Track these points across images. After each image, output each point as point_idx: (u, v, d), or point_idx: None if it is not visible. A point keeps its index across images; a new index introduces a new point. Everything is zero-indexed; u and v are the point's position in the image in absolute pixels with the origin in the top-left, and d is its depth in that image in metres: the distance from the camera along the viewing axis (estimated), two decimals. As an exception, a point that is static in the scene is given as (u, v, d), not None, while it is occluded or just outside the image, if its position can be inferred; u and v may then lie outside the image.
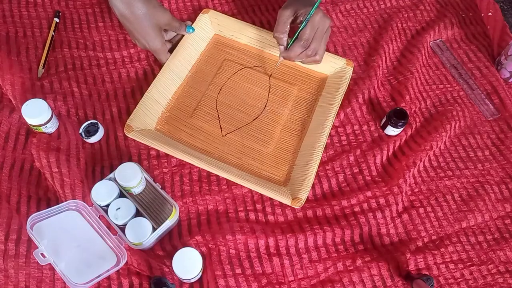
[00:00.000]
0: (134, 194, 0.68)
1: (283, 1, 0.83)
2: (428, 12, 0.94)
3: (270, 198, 0.70)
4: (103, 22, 0.85)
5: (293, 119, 0.78)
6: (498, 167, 0.77)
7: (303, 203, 0.68)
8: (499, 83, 0.85)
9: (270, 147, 0.75)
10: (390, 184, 0.73)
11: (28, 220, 0.59)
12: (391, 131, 0.77)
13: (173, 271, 0.60)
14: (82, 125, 0.72)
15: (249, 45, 0.85)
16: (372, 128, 0.79)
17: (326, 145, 0.74)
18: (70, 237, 0.62)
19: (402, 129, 0.76)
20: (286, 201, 0.68)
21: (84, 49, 0.81)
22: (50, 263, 0.58)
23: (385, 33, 0.89)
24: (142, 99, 0.74)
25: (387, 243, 0.69)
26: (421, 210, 0.72)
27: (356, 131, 0.78)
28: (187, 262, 0.61)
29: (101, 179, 0.65)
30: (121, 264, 0.59)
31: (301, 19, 0.72)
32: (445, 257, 0.68)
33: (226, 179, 0.71)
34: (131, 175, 0.64)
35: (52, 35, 0.81)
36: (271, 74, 0.82)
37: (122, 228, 0.62)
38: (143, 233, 0.61)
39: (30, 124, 0.69)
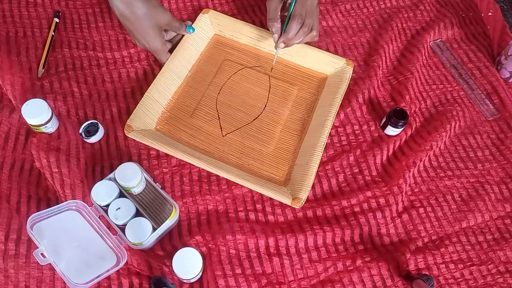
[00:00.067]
0: (134, 194, 0.68)
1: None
2: (428, 12, 0.94)
3: (270, 198, 0.70)
4: (103, 22, 0.85)
5: (293, 119, 0.78)
6: (498, 167, 0.77)
7: (303, 203, 0.68)
8: (499, 83, 0.85)
9: (270, 147, 0.75)
10: (390, 184, 0.73)
11: (28, 220, 0.59)
12: (391, 131, 0.77)
13: (173, 271, 0.60)
14: (82, 125, 0.72)
15: (249, 45, 0.85)
16: (372, 128, 0.79)
17: (326, 145, 0.74)
18: (70, 237, 0.62)
19: (402, 129, 0.76)
20: (286, 201, 0.68)
21: (84, 49, 0.81)
22: (50, 263, 0.58)
23: (385, 33, 0.89)
24: (142, 99, 0.74)
25: (387, 243, 0.69)
26: (421, 210, 0.72)
27: (356, 131, 0.78)
28: (187, 262, 0.61)
29: (101, 179, 0.65)
30: (121, 264, 0.59)
31: (289, 1, 0.74)
32: (445, 257, 0.68)
33: (226, 179, 0.71)
34: (131, 175, 0.64)
35: (52, 35, 0.81)
36: (271, 69, 0.82)
37: (122, 228, 0.62)
38: (143, 233, 0.61)
39: (30, 124, 0.69)
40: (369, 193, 0.72)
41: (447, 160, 0.77)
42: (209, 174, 0.72)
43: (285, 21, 0.75)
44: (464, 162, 0.77)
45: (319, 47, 0.85)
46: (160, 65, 0.79)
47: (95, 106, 0.76)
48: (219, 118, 0.77)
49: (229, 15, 0.86)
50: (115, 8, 0.74)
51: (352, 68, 0.81)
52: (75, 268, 0.59)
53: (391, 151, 0.77)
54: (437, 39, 0.90)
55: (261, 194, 0.70)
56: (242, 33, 0.85)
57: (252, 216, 0.69)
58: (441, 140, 0.77)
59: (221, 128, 0.76)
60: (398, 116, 0.75)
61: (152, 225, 0.63)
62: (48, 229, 0.61)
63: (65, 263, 0.59)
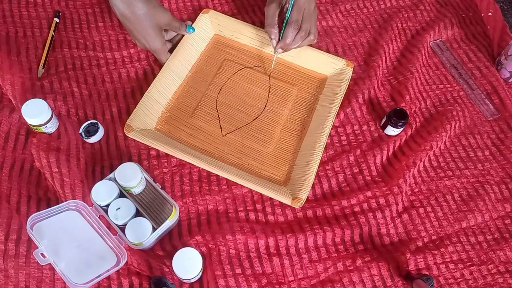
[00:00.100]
0: (134, 194, 0.68)
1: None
2: (428, 12, 0.94)
3: (270, 198, 0.70)
4: (103, 22, 0.85)
5: (293, 119, 0.78)
6: (498, 167, 0.77)
7: (303, 203, 0.68)
8: (499, 83, 0.85)
9: (270, 147, 0.75)
10: (390, 184, 0.73)
11: (28, 220, 0.59)
12: (391, 131, 0.77)
13: (173, 271, 0.60)
14: (82, 125, 0.72)
15: (249, 45, 0.85)
16: (372, 128, 0.79)
17: (326, 145, 0.74)
18: (70, 237, 0.62)
19: (402, 129, 0.76)
20: (286, 201, 0.68)
21: (84, 49, 0.81)
22: (50, 263, 0.58)
23: (385, 33, 0.89)
24: (142, 99, 0.74)
25: (387, 243, 0.69)
26: (421, 210, 0.72)
27: (356, 131, 0.78)
28: (187, 262, 0.61)
29: (101, 179, 0.65)
30: (121, 264, 0.59)
31: (287, 6, 0.74)
32: (445, 257, 0.68)
33: (226, 179, 0.71)
34: (131, 175, 0.64)
35: (52, 35, 0.81)
36: (270, 74, 0.82)
37: (122, 228, 0.62)
38: (143, 233, 0.61)
39: (30, 124, 0.69)
40: (369, 193, 0.72)
41: (447, 160, 0.77)
42: (209, 174, 0.72)
43: (282, 27, 0.75)
44: (464, 162, 0.77)
45: (319, 48, 0.85)
46: (160, 65, 0.79)
47: (95, 106, 0.76)
48: (219, 118, 0.77)
49: (229, 15, 0.86)
50: (115, 8, 0.74)
51: (352, 69, 0.81)
52: (75, 268, 0.59)
53: (391, 151, 0.77)
54: (437, 39, 0.90)
55: (261, 194, 0.70)
56: (242, 33, 0.85)
57: (252, 216, 0.69)
58: (441, 140, 0.77)
59: (221, 128, 0.76)
60: (398, 116, 0.75)
61: (152, 225, 0.63)
62: (48, 229, 0.61)
63: (65, 263, 0.59)
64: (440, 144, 0.77)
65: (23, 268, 0.61)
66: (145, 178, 0.67)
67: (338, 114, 0.78)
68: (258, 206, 0.70)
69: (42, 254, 0.58)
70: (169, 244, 0.66)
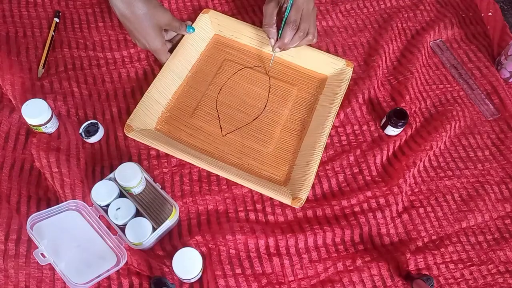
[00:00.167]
0: (134, 194, 0.68)
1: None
2: (428, 12, 0.94)
3: (270, 198, 0.70)
4: (103, 22, 0.85)
5: (293, 119, 0.78)
6: (498, 167, 0.77)
7: (303, 203, 0.68)
8: (499, 83, 0.85)
9: (270, 147, 0.75)
10: (390, 184, 0.73)
11: (28, 220, 0.59)
12: (391, 131, 0.77)
13: (173, 271, 0.60)
14: (82, 125, 0.72)
15: (249, 45, 0.85)
16: (372, 128, 0.79)
17: (326, 145, 0.74)
18: (70, 237, 0.62)
19: (402, 129, 0.76)
20: (286, 200, 0.68)
21: (84, 49, 0.81)
22: (50, 263, 0.58)
23: (385, 33, 0.89)
24: (142, 99, 0.74)
25: (387, 243, 0.69)
26: (421, 210, 0.72)
27: (356, 131, 0.78)
28: (187, 262, 0.61)
29: (101, 179, 0.65)
30: (121, 264, 0.59)
31: (285, 6, 0.75)
32: (445, 257, 0.68)
33: (226, 179, 0.71)
34: (131, 175, 0.64)
35: (52, 35, 0.81)
36: (268, 71, 0.82)
37: (122, 228, 0.62)
38: (143, 233, 0.61)
39: (30, 124, 0.69)
40: (369, 193, 0.72)
41: (447, 160, 0.77)
42: (209, 174, 0.72)
43: (281, 26, 0.75)
44: (464, 162, 0.77)
45: (319, 48, 0.85)
46: (160, 65, 0.79)
47: (95, 106, 0.76)
48: (219, 118, 0.77)
49: (229, 15, 0.86)
50: (115, 8, 0.74)
51: (352, 69, 0.81)
52: (75, 268, 0.59)
53: (391, 151, 0.77)
54: (437, 39, 0.90)
55: (261, 194, 0.70)
56: (242, 33, 0.85)
57: (252, 216, 0.69)
58: (441, 140, 0.77)
59: (221, 128, 0.76)
60: (398, 116, 0.75)
61: (152, 225, 0.63)
62: (48, 229, 0.61)
63: (65, 263, 0.59)
64: (440, 144, 0.77)
65: (23, 268, 0.61)
66: (145, 178, 0.67)
67: (338, 114, 0.78)
68: (258, 206, 0.70)
69: (42, 254, 0.58)
70: (169, 244, 0.66)
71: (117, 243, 0.61)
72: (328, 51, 0.86)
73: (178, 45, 0.80)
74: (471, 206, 0.73)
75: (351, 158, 0.75)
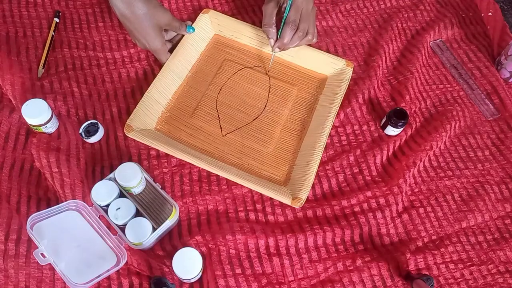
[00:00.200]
0: (134, 194, 0.68)
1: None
2: (428, 12, 0.94)
3: (270, 198, 0.70)
4: (103, 22, 0.85)
5: (293, 119, 0.78)
6: (498, 167, 0.77)
7: (303, 203, 0.68)
8: (499, 83, 0.85)
9: (270, 147, 0.75)
10: (390, 184, 0.73)
11: (28, 220, 0.59)
12: (391, 131, 0.77)
13: (173, 271, 0.60)
14: (82, 125, 0.72)
15: (249, 45, 0.85)
16: (372, 128, 0.79)
17: (326, 145, 0.74)
18: (70, 237, 0.62)
19: (402, 129, 0.76)
20: (286, 200, 0.68)
21: (84, 49, 0.81)
22: (50, 263, 0.58)
23: (385, 33, 0.89)
24: (142, 99, 0.74)
25: (387, 243, 0.69)
26: (421, 210, 0.72)
27: (356, 131, 0.78)
28: (187, 262, 0.61)
29: (101, 179, 0.65)
30: (121, 264, 0.59)
31: (285, 6, 0.75)
32: (445, 257, 0.68)
33: (226, 179, 0.71)
34: (131, 175, 0.64)
35: (52, 35, 0.81)
36: (268, 71, 0.82)
37: (122, 228, 0.62)
38: (143, 233, 0.61)
39: (30, 124, 0.69)
40: (369, 193, 0.72)
41: (447, 160, 0.77)
42: (209, 174, 0.72)
43: (280, 26, 0.75)
44: (464, 162, 0.77)
45: (319, 48, 0.85)
46: (160, 65, 0.79)
47: (95, 106, 0.76)
48: (219, 118, 0.77)
49: (229, 15, 0.86)
50: (115, 8, 0.74)
51: (352, 69, 0.81)
52: (75, 268, 0.59)
53: (391, 151, 0.77)
54: (437, 39, 0.90)
55: (261, 194, 0.70)
56: (242, 33, 0.85)
57: (252, 216, 0.69)
58: (441, 140, 0.77)
59: (221, 128, 0.76)
60: (398, 116, 0.75)
61: (152, 225, 0.63)
62: (48, 229, 0.61)
63: (65, 263, 0.59)
64: (440, 144, 0.77)
65: (23, 268, 0.61)
66: (145, 178, 0.67)
67: (338, 114, 0.78)
68: (258, 206, 0.70)
69: (42, 254, 0.58)
70: (169, 244, 0.66)
71: (117, 243, 0.61)
72: (328, 51, 0.86)
73: (178, 45, 0.80)
74: (471, 206, 0.73)
75: (351, 158, 0.75)
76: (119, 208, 0.63)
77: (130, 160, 0.72)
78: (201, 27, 0.84)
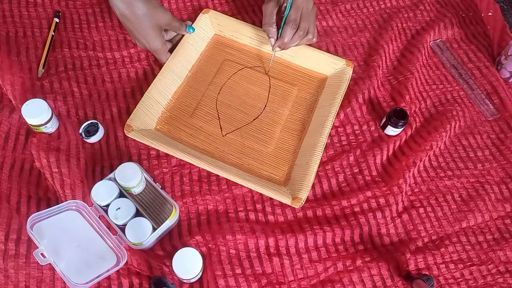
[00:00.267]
0: (134, 194, 0.68)
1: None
2: (428, 12, 0.94)
3: (270, 198, 0.70)
4: (103, 22, 0.85)
5: (293, 119, 0.78)
6: (498, 167, 0.77)
7: (303, 203, 0.68)
8: (499, 83, 0.85)
9: (270, 147, 0.75)
10: (390, 184, 0.73)
11: (28, 220, 0.59)
12: (391, 131, 0.77)
13: (173, 271, 0.60)
14: (82, 125, 0.72)
15: (249, 45, 0.85)
16: (372, 128, 0.79)
17: (326, 145, 0.74)
18: (70, 237, 0.62)
19: (402, 129, 0.76)
20: (286, 200, 0.68)
21: (84, 49, 0.81)
22: (50, 263, 0.58)
23: (385, 33, 0.89)
24: (142, 99, 0.74)
25: (387, 243, 0.69)
26: (421, 210, 0.72)
27: (356, 131, 0.78)
28: (187, 262, 0.61)
29: (101, 179, 0.65)
30: (121, 264, 0.59)
31: (285, 5, 0.75)
32: (445, 257, 0.68)
33: (226, 179, 0.71)
34: (131, 175, 0.64)
35: (52, 35, 0.81)
36: (268, 71, 0.82)
37: (122, 228, 0.62)
38: (143, 233, 0.61)
39: (30, 124, 0.69)
40: (369, 193, 0.72)
41: (447, 160, 0.77)
42: (209, 174, 0.72)
43: (280, 25, 0.75)
44: (464, 162, 0.77)
45: (319, 47, 0.85)
46: (160, 65, 0.79)
47: (95, 106, 0.76)
48: (219, 118, 0.77)
49: (229, 15, 0.86)
50: (115, 8, 0.74)
51: (352, 69, 0.81)
52: (75, 268, 0.59)
53: (391, 151, 0.77)
54: (437, 39, 0.90)
55: (261, 194, 0.70)
56: (242, 33, 0.85)
57: (252, 216, 0.69)
58: (441, 140, 0.77)
59: (221, 128, 0.76)
60: (398, 116, 0.75)
61: (152, 225, 0.63)
62: (48, 229, 0.61)
63: (65, 263, 0.59)
64: (440, 144, 0.77)
65: (23, 268, 0.61)
66: (145, 178, 0.67)
67: (338, 114, 0.78)
68: (258, 206, 0.70)
69: (42, 254, 0.58)
70: (169, 244, 0.66)
71: (117, 243, 0.61)
72: (328, 51, 0.86)
73: (178, 45, 0.80)
74: (471, 206, 0.73)
75: (351, 158, 0.75)
76: (119, 208, 0.63)
77: (130, 160, 0.72)
78: (201, 27, 0.84)
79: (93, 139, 0.72)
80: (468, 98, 0.84)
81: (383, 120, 0.77)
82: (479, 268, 0.68)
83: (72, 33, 0.83)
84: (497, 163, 0.77)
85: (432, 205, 0.73)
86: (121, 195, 0.65)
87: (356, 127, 0.79)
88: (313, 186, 0.72)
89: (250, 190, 0.71)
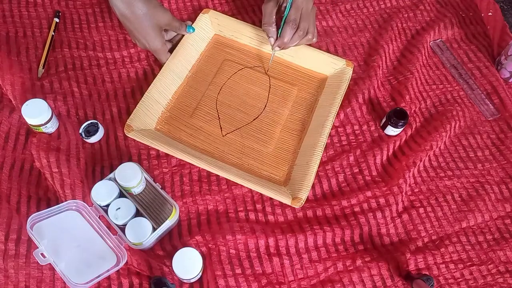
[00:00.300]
0: (134, 194, 0.68)
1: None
2: (428, 12, 0.94)
3: (270, 198, 0.70)
4: (103, 22, 0.85)
5: (293, 119, 0.78)
6: (498, 167, 0.77)
7: (303, 203, 0.68)
8: (499, 83, 0.85)
9: (270, 147, 0.75)
10: (390, 184, 0.73)
11: (28, 220, 0.59)
12: (391, 131, 0.77)
13: (173, 271, 0.60)
14: (82, 125, 0.72)
15: (249, 45, 0.85)
16: (372, 128, 0.79)
17: (326, 145, 0.74)
18: (70, 237, 0.62)
19: (402, 129, 0.76)
20: (286, 201, 0.68)
21: (84, 49, 0.81)
22: (50, 263, 0.58)
23: (385, 33, 0.89)
24: (142, 99, 0.74)
25: (387, 243, 0.69)
26: (421, 210, 0.72)
27: (356, 131, 0.78)
28: (187, 262, 0.61)
29: (101, 179, 0.65)
30: (121, 264, 0.59)
31: (285, 5, 0.75)
32: (445, 257, 0.68)
33: (226, 179, 0.71)
34: (131, 175, 0.64)
35: (52, 35, 0.81)
36: (267, 70, 0.82)
37: (122, 228, 0.62)
38: (143, 233, 0.61)
39: (30, 124, 0.69)
40: (369, 193, 0.72)
41: (447, 160, 0.77)
42: (209, 174, 0.72)
43: (280, 25, 0.75)
44: (464, 162, 0.77)
45: (319, 48, 0.85)
46: (160, 65, 0.79)
47: (95, 106, 0.76)
48: (219, 118, 0.77)
49: (229, 15, 0.86)
50: (115, 8, 0.74)
51: (352, 69, 0.81)
52: (75, 268, 0.59)
53: (391, 151, 0.77)
54: (437, 39, 0.90)
55: (261, 194, 0.70)
56: (242, 33, 0.85)
57: (252, 216, 0.69)
58: (441, 140, 0.77)
59: (221, 128, 0.76)
60: (398, 116, 0.75)
61: (152, 225, 0.63)
62: (48, 229, 0.61)
63: (65, 263, 0.59)
64: (440, 144, 0.77)
65: (23, 268, 0.61)
66: (145, 178, 0.67)
67: (338, 114, 0.78)
68: (258, 206, 0.70)
69: (42, 254, 0.58)
70: (169, 244, 0.66)
71: (117, 243, 0.61)
72: (328, 51, 0.86)
73: (178, 45, 0.80)
74: (471, 206, 0.73)
75: (351, 158, 0.75)
76: (119, 208, 0.63)
77: (130, 160, 0.72)
78: (201, 27, 0.84)
79: (93, 139, 0.72)
80: (468, 98, 0.84)
81: (383, 120, 0.77)
82: (479, 268, 0.68)
83: (72, 33, 0.83)
84: (497, 163, 0.77)
85: (432, 205, 0.73)
86: (121, 195, 0.65)
87: (356, 127, 0.79)
88: (313, 186, 0.72)
89: (250, 190, 0.71)
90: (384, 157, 0.76)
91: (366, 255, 0.67)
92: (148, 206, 0.67)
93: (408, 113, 0.77)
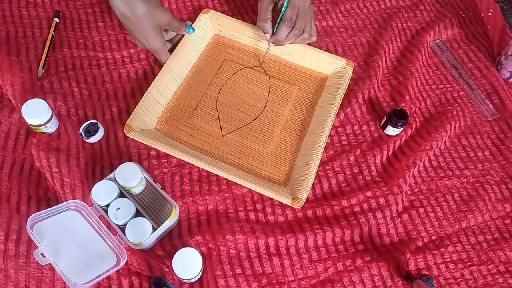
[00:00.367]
0: (134, 194, 0.68)
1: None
2: (428, 12, 0.94)
3: (270, 198, 0.70)
4: (103, 22, 0.85)
5: (293, 119, 0.78)
6: (498, 167, 0.77)
7: (303, 203, 0.68)
8: (499, 83, 0.85)
9: (270, 147, 0.75)
10: (390, 184, 0.73)
11: (28, 220, 0.59)
12: (391, 131, 0.77)
13: (173, 271, 0.60)
14: (82, 125, 0.72)
15: (249, 45, 0.85)
16: (372, 128, 0.79)
17: (326, 145, 0.74)
18: (70, 237, 0.62)
19: (402, 129, 0.76)
20: (286, 201, 0.68)
21: (84, 49, 0.81)
22: (50, 263, 0.58)
23: (385, 33, 0.89)
24: (142, 99, 0.74)
25: (387, 243, 0.69)
26: (421, 210, 0.72)
27: (356, 131, 0.78)
28: (187, 262, 0.61)
29: (101, 179, 0.65)
30: (121, 264, 0.60)
31: (281, 3, 0.75)
32: (445, 257, 0.68)
33: (226, 179, 0.71)
34: (131, 175, 0.64)
35: (52, 35, 0.81)
36: (262, 63, 0.82)
37: (122, 228, 0.62)
38: (143, 233, 0.61)
39: (30, 124, 0.69)
40: (369, 193, 0.72)
41: (447, 160, 0.77)
42: (209, 174, 0.72)
43: (276, 21, 0.75)
44: (464, 162, 0.77)
45: (319, 47, 0.85)
46: (160, 65, 0.79)
47: (95, 106, 0.76)
48: (219, 118, 0.77)
49: (229, 15, 0.86)
50: (115, 8, 0.74)
51: (352, 69, 0.81)
52: (75, 268, 0.59)
53: (391, 151, 0.77)
54: (437, 39, 0.90)
55: (261, 194, 0.70)
56: (242, 33, 0.85)
57: (252, 216, 0.69)
58: (441, 140, 0.77)
59: (221, 128, 0.76)
60: (398, 116, 0.75)
61: (152, 225, 0.63)
62: (48, 229, 0.61)
63: (65, 263, 0.59)
64: (440, 144, 0.77)
65: (23, 268, 0.61)
66: (145, 178, 0.67)
67: (338, 114, 0.78)
68: (258, 206, 0.70)
69: (42, 254, 0.58)
70: (169, 244, 0.66)
71: (117, 243, 0.61)
72: (328, 51, 0.86)
73: (178, 45, 0.80)
74: (471, 206, 0.73)
75: (351, 158, 0.75)
76: (119, 208, 0.63)
77: (130, 160, 0.72)
78: (201, 27, 0.84)
79: (93, 139, 0.72)
80: (468, 98, 0.84)
81: (383, 120, 0.77)
82: (479, 268, 0.68)
83: (72, 33, 0.83)
84: (497, 163, 0.77)
85: (432, 205, 0.73)
86: (121, 195, 0.65)
87: (356, 127, 0.79)
88: (313, 186, 0.72)
89: (250, 190, 0.71)
90: (384, 157, 0.76)
91: (366, 255, 0.67)
92: (148, 206, 0.67)
93: (408, 113, 0.77)
